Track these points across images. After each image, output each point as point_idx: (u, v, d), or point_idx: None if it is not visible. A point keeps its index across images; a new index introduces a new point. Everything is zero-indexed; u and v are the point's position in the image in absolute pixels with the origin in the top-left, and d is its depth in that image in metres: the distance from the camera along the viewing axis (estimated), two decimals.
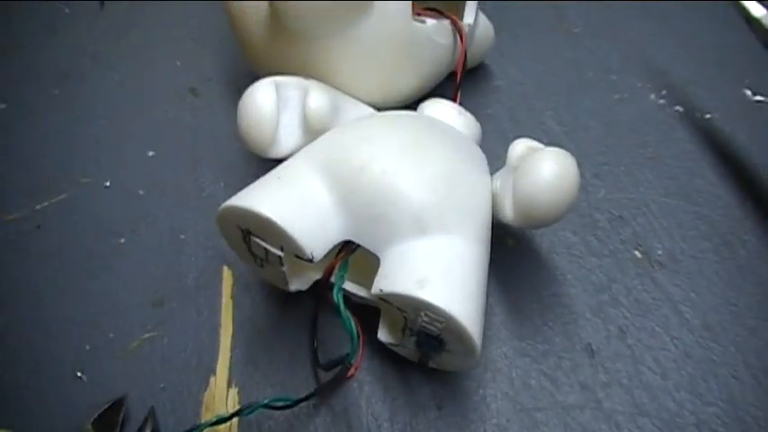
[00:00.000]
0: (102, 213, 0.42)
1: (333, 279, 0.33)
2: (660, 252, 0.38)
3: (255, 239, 0.33)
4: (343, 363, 0.32)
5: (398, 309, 0.31)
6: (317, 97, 0.36)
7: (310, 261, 0.31)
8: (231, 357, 0.37)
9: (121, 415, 0.34)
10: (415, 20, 0.38)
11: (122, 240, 0.41)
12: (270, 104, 0.35)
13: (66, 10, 0.55)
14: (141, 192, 0.43)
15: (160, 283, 0.39)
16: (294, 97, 0.36)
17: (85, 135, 0.46)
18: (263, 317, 0.37)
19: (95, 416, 0.33)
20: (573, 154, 0.32)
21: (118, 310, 0.38)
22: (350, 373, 0.35)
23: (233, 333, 0.37)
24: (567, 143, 0.42)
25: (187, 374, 0.36)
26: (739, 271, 0.37)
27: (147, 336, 0.38)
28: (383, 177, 0.32)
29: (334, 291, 0.32)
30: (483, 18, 0.44)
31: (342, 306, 0.32)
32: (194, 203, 0.42)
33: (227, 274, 0.39)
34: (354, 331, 0.32)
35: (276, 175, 0.33)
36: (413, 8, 0.37)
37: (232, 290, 0.39)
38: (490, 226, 0.34)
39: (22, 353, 0.37)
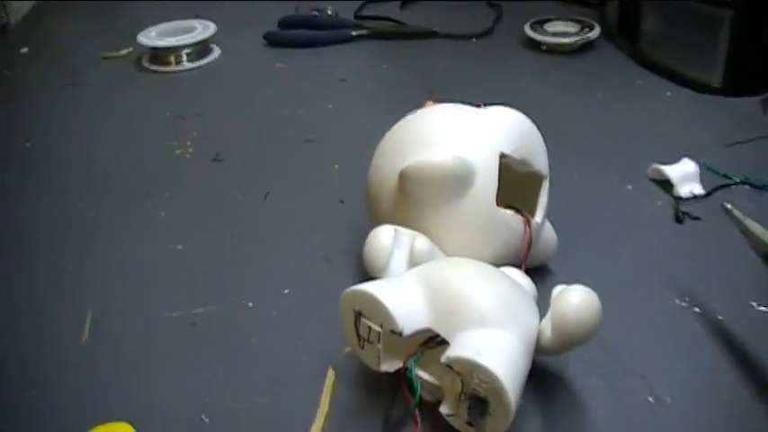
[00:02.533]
0: (245, 325, 0.57)
1: (408, 364, 0.46)
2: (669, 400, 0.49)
3: (363, 319, 0.46)
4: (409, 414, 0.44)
5: (458, 373, 0.43)
6: (422, 243, 0.51)
7: (400, 335, 0.45)
8: (323, 425, 0.49)
9: None
10: (499, 207, 0.54)
11: (253, 340, 0.55)
12: (388, 240, 0.50)
13: None
14: (274, 313, 0.58)
15: (282, 370, 0.53)
16: (405, 241, 0.51)
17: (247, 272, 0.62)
18: (349, 400, 0.50)
19: None
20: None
21: (242, 382, 0.52)
22: None
23: (328, 410, 0.50)
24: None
25: (288, 430, 0.48)
26: None
27: (263, 401, 0.50)
28: (461, 285, 0.46)
29: (410, 363, 0.45)
30: (549, 226, 0.59)
31: (413, 372, 0.45)
32: (312, 326, 0.56)
33: (331, 372, 0.52)
34: (418, 388, 0.44)
35: (387, 280, 0.48)
36: (498, 200, 0.53)
37: (333, 383, 0.52)
38: (534, 340, 0.47)
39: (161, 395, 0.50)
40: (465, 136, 0.54)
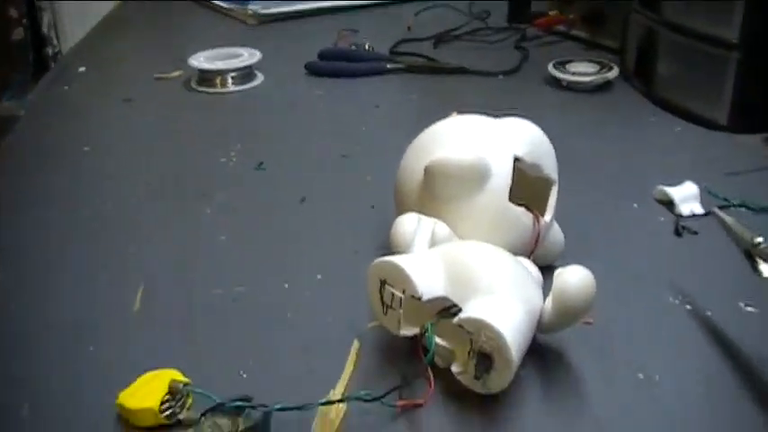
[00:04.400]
0: (282, 300, 0.64)
1: (426, 332, 0.52)
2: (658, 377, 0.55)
3: (387, 287, 0.54)
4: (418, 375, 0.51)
5: (468, 332, 0.50)
6: (442, 228, 0.58)
7: (419, 299, 0.52)
8: (347, 383, 0.55)
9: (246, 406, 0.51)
10: (511, 203, 0.61)
11: (289, 315, 0.62)
12: (412, 224, 0.58)
13: None
14: (308, 293, 0.65)
15: (313, 339, 0.60)
16: (427, 226, 0.58)
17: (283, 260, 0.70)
18: (371, 366, 0.57)
19: (228, 401, 0.50)
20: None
21: (277, 347, 0.59)
22: (423, 402, 0.53)
23: (352, 372, 0.56)
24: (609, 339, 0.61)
25: (316, 387, 0.54)
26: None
27: (294, 363, 0.57)
28: (474, 259, 0.53)
29: (427, 325, 0.52)
30: (557, 228, 0.66)
31: (431, 340, 0.51)
32: (341, 305, 0.63)
33: (356, 341, 0.59)
34: (432, 345, 0.51)
35: (409, 255, 0.55)
36: (510, 198, 0.60)
37: (357, 351, 0.58)
38: (537, 314, 0.53)
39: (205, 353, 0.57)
40: (483, 139, 0.61)
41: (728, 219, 0.60)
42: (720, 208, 0.75)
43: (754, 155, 0.91)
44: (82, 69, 1.24)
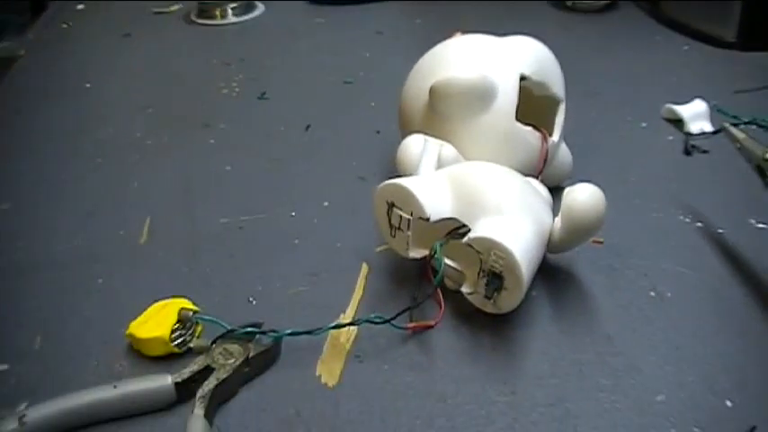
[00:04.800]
0: (289, 228, 0.64)
1: (435, 253, 0.52)
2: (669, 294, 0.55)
3: (395, 209, 0.53)
4: (428, 296, 0.51)
5: (478, 252, 0.50)
6: (449, 150, 0.57)
7: (428, 220, 0.51)
8: (357, 307, 0.55)
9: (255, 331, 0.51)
10: (518, 123, 0.60)
11: (296, 241, 0.62)
12: (418, 146, 0.57)
13: None
14: (315, 220, 0.65)
15: (321, 264, 0.59)
16: (433, 148, 0.57)
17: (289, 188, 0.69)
18: (381, 289, 0.56)
19: (238, 327, 0.50)
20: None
21: (285, 273, 0.58)
22: (434, 324, 0.53)
23: (361, 296, 0.56)
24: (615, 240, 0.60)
25: (326, 312, 0.54)
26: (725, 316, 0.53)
27: (303, 288, 0.57)
28: (482, 179, 0.52)
29: (435, 246, 0.52)
30: (565, 149, 0.65)
31: (440, 261, 0.51)
32: (348, 231, 0.63)
33: (364, 266, 0.59)
34: (441, 266, 0.50)
35: (417, 177, 0.54)
36: (518, 118, 0.59)
37: (366, 275, 0.58)
38: (547, 233, 0.53)
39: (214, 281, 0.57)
40: (488, 58, 0.60)
41: (740, 134, 0.59)
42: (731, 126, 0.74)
43: (763, 72, 0.90)
44: (80, 7, 1.22)
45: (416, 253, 0.53)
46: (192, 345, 0.50)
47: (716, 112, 0.78)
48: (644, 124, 0.79)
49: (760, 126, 0.77)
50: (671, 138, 0.76)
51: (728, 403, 0.47)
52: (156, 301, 0.53)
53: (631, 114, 0.80)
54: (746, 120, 0.77)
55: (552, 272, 0.57)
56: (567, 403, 0.47)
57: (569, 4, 1.09)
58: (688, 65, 0.93)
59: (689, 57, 0.95)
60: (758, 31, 0.95)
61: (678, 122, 0.78)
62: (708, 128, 0.76)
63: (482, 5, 1.14)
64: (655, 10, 1.07)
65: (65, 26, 1.13)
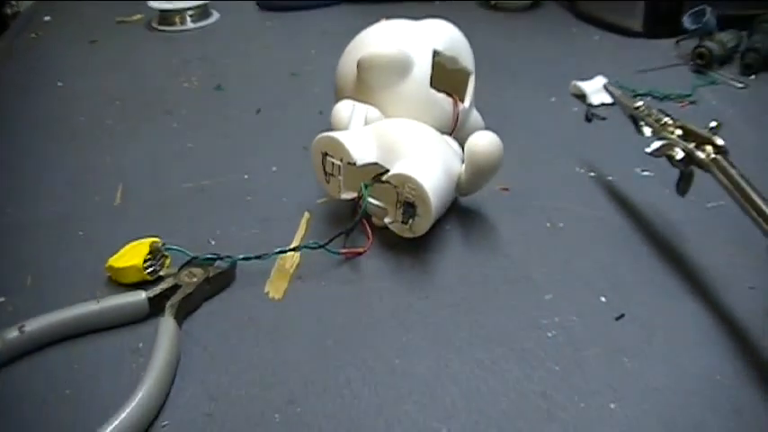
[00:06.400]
0: (243, 188, 0.75)
1: (362, 193, 0.62)
2: (562, 225, 0.67)
3: (328, 158, 0.64)
4: (356, 224, 0.62)
5: (395, 187, 0.61)
6: (374, 112, 0.68)
7: (354, 164, 0.62)
8: (300, 242, 0.66)
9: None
10: (433, 89, 0.71)
11: (249, 198, 0.73)
12: (348, 109, 0.68)
13: None
14: (265, 181, 0.76)
15: (270, 214, 0.70)
16: (361, 110, 0.68)
17: (243, 158, 0.80)
18: (320, 230, 0.67)
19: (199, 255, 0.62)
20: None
21: (240, 221, 0.69)
22: (364, 250, 0.64)
23: (303, 234, 0.67)
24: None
25: (274, 247, 0.63)
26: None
27: (255, 231, 0.68)
28: (400, 129, 0.63)
29: (362, 185, 0.63)
30: (477, 114, 0.77)
31: (365, 196, 0.61)
32: (294, 189, 0.74)
33: (307, 213, 0.70)
34: (366, 200, 0.61)
35: (346, 131, 0.66)
36: (433, 86, 0.70)
37: (308, 220, 0.69)
38: (455, 174, 0.64)
39: (180, 229, 0.68)
40: (406, 37, 0.71)
41: (616, 91, 0.71)
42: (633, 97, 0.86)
43: (664, 56, 1.02)
44: (47, 18, 1.32)
45: (347, 194, 0.64)
46: (161, 273, 0.60)
47: (618, 88, 0.90)
48: (553, 99, 0.90)
49: (654, 97, 0.89)
50: (576, 109, 0.88)
51: (603, 299, 0.58)
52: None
53: (543, 91, 0.92)
54: (642, 92, 0.89)
55: (464, 212, 0.68)
56: (471, 303, 0.57)
57: (493, 3, 1.20)
58: (598, 51, 1.06)
59: (600, 44, 1.08)
60: (660, 21, 1.08)
61: (583, 97, 0.90)
62: (607, 100, 0.88)
63: (416, 6, 1.25)
64: (573, 7, 1.20)
65: (33, 36, 1.23)
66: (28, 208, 0.73)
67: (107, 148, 0.84)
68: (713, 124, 0.58)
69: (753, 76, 0.95)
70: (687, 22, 0.99)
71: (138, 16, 1.26)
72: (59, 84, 1.03)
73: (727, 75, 0.96)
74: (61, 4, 1.41)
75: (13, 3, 2.10)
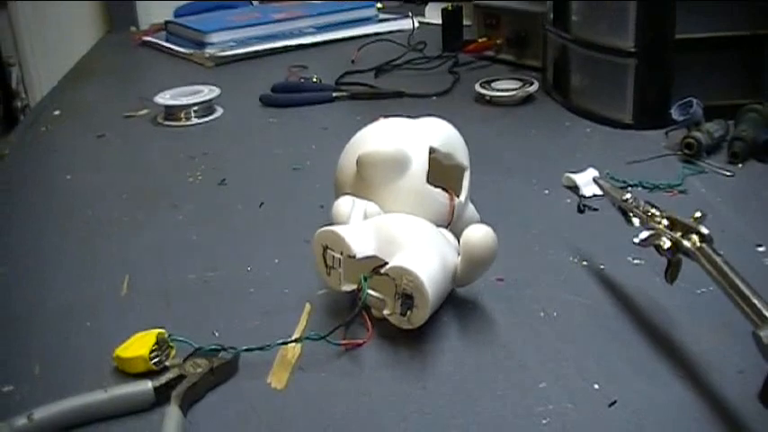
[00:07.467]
0: (246, 280, 0.77)
1: (361, 285, 0.65)
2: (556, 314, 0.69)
3: (329, 251, 0.67)
4: (356, 315, 0.64)
5: (393, 279, 0.63)
6: (373, 207, 0.71)
7: (354, 257, 0.65)
8: (301, 334, 0.68)
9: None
10: (429, 184, 0.75)
11: (252, 290, 0.75)
12: (348, 205, 0.71)
13: None
14: (267, 273, 0.78)
15: (272, 305, 0.72)
16: (360, 206, 0.71)
17: (246, 250, 0.83)
18: (321, 321, 0.69)
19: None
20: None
21: (243, 313, 0.71)
22: (364, 342, 0.66)
23: (305, 326, 0.69)
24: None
25: (276, 339, 0.65)
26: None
27: (257, 323, 0.70)
28: (398, 223, 0.66)
29: (361, 277, 0.65)
30: (472, 208, 0.80)
31: (365, 288, 0.64)
32: (295, 281, 0.76)
33: (308, 305, 0.72)
34: (365, 291, 0.63)
35: (346, 225, 0.69)
36: (429, 182, 0.73)
37: (309, 312, 0.72)
38: (452, 267, 0.66)
39: (184, 321, 0.70)
40: (404, 135, 0.75)
41: (605, 183, 0.74)
42: (622, 188, 0.89)
43: (654, 146, 1.06)
44: (57, 113, 1.37)
45: (347, 287, 0.67)
46: (167, 363, 0.62)
47: (608, 179, 0.93)
48: (546, 191, 0.94)
49: (644, 188, 0.92)
50: (568, 201, 0.91)
51: (596, 386, 0.59)
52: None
53: (537, 184, 0.95)
54: (633, 183, 0.93)
55: (460, 303, 0.70)
56: (468, 392, 0.59)
57: (488, 98, 1.25)
58: (590, 143, 1.09)
59: (591, 137, 1.11)
60: (650, 112, 1.12)
61: (576, 189, 0.93)
62: (599, 191, 0.91)
63: (415, 102, 1.31)
64: (565, 100, 1.24)
65: (44, 129, 1.27)
66: (36, 298, 0.75)
67: (114, 239, 0.87)
68: (698, 214, 0.61)
69: (740, 165, 0.98)
70: (675, 113, 1.03)
71: (145, 111, 1.31)
72: (68, 177, 1.06)
73: (715, 163, 0.99)
74: (70, 98, 1.46)
75: (23, 97, 2.17)
